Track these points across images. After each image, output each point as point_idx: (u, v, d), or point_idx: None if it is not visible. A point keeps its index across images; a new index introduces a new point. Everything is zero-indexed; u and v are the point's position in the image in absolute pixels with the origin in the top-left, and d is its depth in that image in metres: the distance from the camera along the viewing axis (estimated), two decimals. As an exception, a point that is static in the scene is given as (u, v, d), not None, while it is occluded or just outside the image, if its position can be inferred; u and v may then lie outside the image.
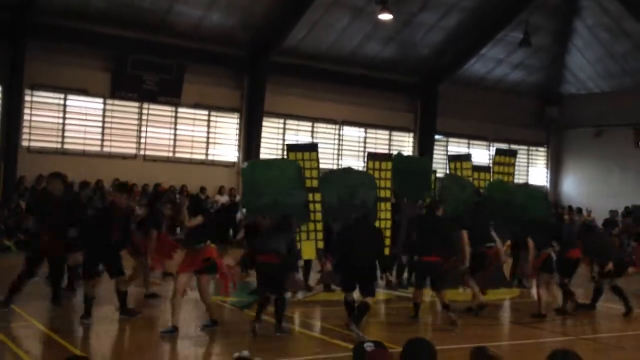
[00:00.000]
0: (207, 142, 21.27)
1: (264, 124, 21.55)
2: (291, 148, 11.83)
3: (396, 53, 22.95)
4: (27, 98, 18.42)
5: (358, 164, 23.03)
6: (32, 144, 18.58)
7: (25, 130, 18.48)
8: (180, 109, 20.61)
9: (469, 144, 26.23)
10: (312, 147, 11.97)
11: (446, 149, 25.67)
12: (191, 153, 20.92)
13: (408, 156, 17.06)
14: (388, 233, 11.58)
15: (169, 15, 19.30)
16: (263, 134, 21.56)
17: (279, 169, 10.97)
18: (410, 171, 12.53)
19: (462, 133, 25.78)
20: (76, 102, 19.26)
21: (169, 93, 20.09)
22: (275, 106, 21.65)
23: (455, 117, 24.88)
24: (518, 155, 26.23)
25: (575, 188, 27.05)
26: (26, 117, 18.45)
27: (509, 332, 9.75)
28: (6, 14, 17.60)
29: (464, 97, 24.86)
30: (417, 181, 12.52)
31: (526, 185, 17.94)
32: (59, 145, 18.95)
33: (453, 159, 14.20)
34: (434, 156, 23.92)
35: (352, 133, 23.79)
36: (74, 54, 18.71)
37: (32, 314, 8.72)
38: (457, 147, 25.95)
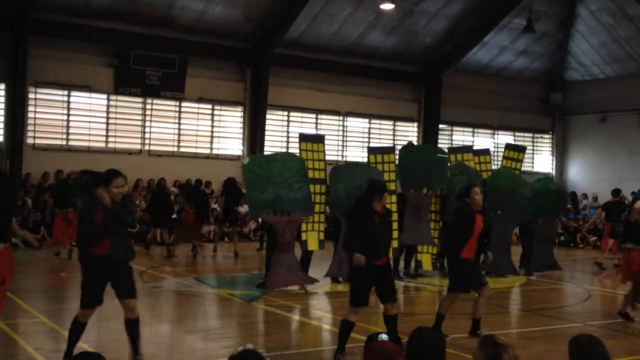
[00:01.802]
0: (212, 136, 21.27)
1: (267, 116, 21.52)
2: (303, 138, 11.85)
3: (399, 42, 22.86)
4: (31, 95, 18.45)
5: (363, 155, 23.00)
6: (37, 141, 18.61)
7: (30, 127, 18.51)
8: (183, 104, 20.61)
9: (473, 132, 26.16)
10: (320, 139, 12.00)
11: (451, 138, 25.60)
12: (196, 147, 20.93)
13: (419, 146, 16.97)
14: (395, 225, 11.59)
15: (170, 9, 19.27)
16: (267, 127, 21.53)
17: (280, 162, 10.96)
18: (419, 161, 12.43)
19: (467, 122, 25.69)
20: (80, 98, 19.28)
21: (172, 88, 20.08)
22: (279, 98, 21.62)
23: (459, 106, 24.79)
24: (523, 143, 26.55)
25: (581, 174, 26.96)
26: (30, 115, 18.49)
27: (517, 319, 9.75)
28: (8, 11, 17.59)
29: (468, 85, 24.76)
30: (428, 171, 12.41)
31: (545, 179, 17.74)
32: (63, 142, 18.98)
33: (453, 151, 14.16)
34: (439, 146, 23.84)
35: (356, 124, 23.74)
36: (76, 50, 18.71)
37: (41, 310, 8.77)
38: (461, 135, 25.87)
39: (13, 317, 8.45)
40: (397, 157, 12.63)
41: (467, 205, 7.64)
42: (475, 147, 23.51)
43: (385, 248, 6.86)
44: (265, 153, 20.46)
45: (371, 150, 12.62)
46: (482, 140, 26.02)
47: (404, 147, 13.06)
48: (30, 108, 18.47)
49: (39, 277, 12.56)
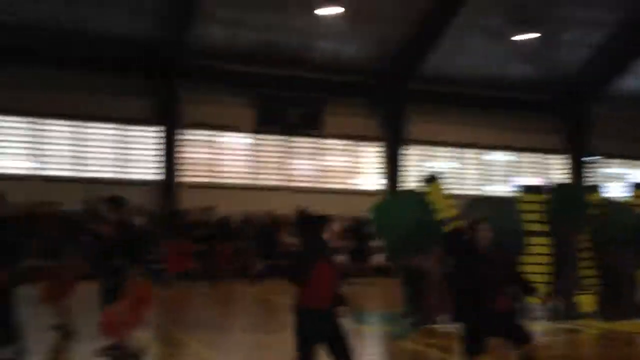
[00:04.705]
0: (351, 172, 21.50)
1: (405, 151, 21.45)
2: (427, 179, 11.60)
3: (540, 73, 22.07)
4: (184, 137, 19.60)
5: (504, 189, 22.23)
6: (188, 179, 19.67)
7: (184, 167, 19.59)
8: (322, 140, 21.05)
9: (625, 164, 24.48)
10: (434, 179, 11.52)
11: (601, 171, 24.11)
12: (336, 183, 21.22)
13: (569, 185, 15.97)
14: (544, 269, 10.90)
15: (307, 51, 19.89)
16: (405, 162, 21.44)
17: (402, 203, 10.78)
18: (567, 201, 11.50)
19: (617, 153, 24.14)
20: (225, 138, 20.28)
21: (310, 125, 20.64)
22: (416, 133, 21.51)
23: (608, 137, 23.37)
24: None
25: None
26: (184, 155, 19.61)
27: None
28: (160, 60, 18.92)
29: (618, 115, 23.31)
30: (574, 213, 11.42)
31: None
32: (211, 180, 19.94)
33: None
34: (587, 179, 22.59)
35: (497, 157, 23.05)
36: (221, 93, 19.69)
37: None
38: (614, 168, 24.32)
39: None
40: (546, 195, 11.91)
41: None
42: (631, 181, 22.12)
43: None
44: (403, 188, 20.36)
45: (520, 189, 11.95)
46: (637, 172, 24.28)
47: (555, 187, 12.26)
48: (183, 149, 19.61)
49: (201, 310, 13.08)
